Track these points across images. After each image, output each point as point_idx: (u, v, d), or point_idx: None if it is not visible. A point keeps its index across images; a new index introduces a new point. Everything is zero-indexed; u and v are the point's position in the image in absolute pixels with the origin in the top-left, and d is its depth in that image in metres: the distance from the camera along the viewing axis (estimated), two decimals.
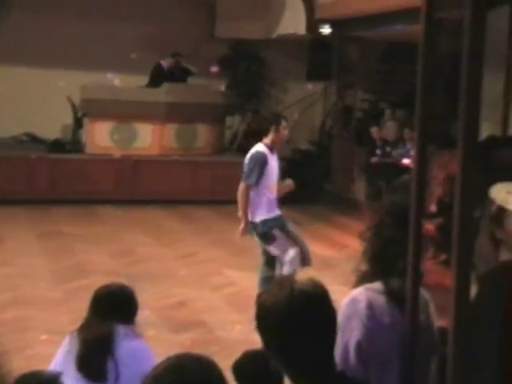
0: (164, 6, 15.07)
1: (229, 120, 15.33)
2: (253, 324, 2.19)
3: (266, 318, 2.13)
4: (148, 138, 13.59)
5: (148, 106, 13.19)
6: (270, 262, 7.04)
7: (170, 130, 13.71)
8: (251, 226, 6.89)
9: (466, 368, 1.77)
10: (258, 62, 15.80)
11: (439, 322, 2.59)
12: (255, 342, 2.32)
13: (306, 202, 12.52)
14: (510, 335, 1.95)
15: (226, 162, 13.47)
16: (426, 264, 3.03)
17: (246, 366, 2.86)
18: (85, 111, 13.73)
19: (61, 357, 3.67)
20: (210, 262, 9.40)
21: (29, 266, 8.86)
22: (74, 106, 13.87)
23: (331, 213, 13.06)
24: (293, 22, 13.67)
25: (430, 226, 3.49)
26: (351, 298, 2.51)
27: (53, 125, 14.23)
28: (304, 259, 7.03)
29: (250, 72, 15.69)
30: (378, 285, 2.51)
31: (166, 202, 12.91)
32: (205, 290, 8.24)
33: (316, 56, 15.72)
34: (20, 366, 5.57)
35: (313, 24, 13.28)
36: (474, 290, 2.10)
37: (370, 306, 2.46)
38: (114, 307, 3.61)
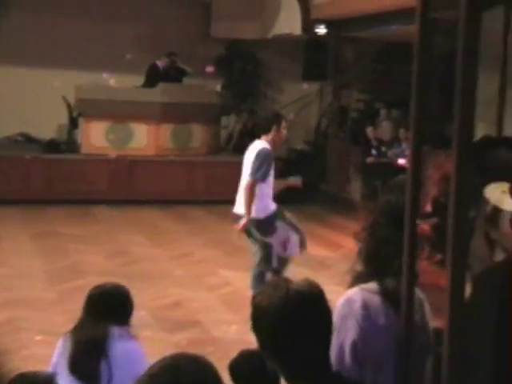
0: (159, 6, 15.07)
1: (224, 120, 15.33)
2: (248, 324, 2.19)
3: (262, 318, 2.13)
4: (143, 138, 13.58)
5: (143, 106, 13.18)
6: (266, 257, 7.07)
7: (166, 130, 13.71)
8: (252, 222, 6.94)
9: (461, 368, 1.77)
10: (253, 62, 15.81)
11: (434, 322, 2.59)
12: (251, 342, 2.32)
13: (301, 202, 12.51)
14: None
15: (222, 162, 13.47)
16: (421, 264, 3.03)
17: (243, 365, 2.86)
18: (80, 111, 13.72)
19: (54, 359, 3.65)
20: (205, 262, 9.40)
21: (23, 266, 8.85)
22: (69, 105, 13.86)
23: (327, 213, 13.07)
24: (288, 22, 13.67)
25: (425, 226, 3.49)
26: (346, 299, 2.51)
27: (48, 125, 14.22)
28: (302, 244, 7.24)
29: (245, 72, 15.70)
30: (373, 285, 2.51)
31: (161, 202, 12.91)
32: (200, 290, 8.24)
33: (311, 56, 15.74)
34: (15, 366, 5.58)
35: (308, 24, 13.29)
36: (468, 290, 2.10)
37: (365, 307, 2.46)
38: (109, 307, 3.59)
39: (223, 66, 15.49)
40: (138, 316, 6.59)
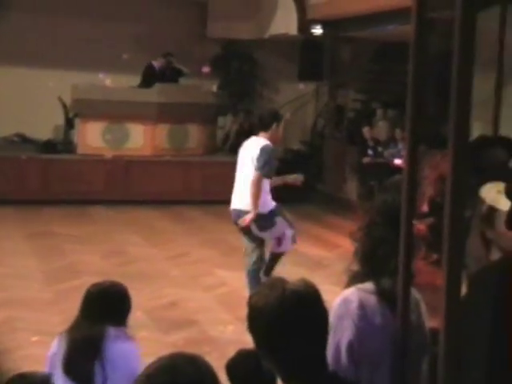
0: (155, 7, 15.07)
1: (221, 120, 15.33)
2: (245, 324, 2.19)
3: (258, 318, 2.13)
4: (140, 139, 13.57)
5: (140, 106, 13.17)
6: (263, 255, 7.19)
7: (162, 130, 13.70)
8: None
9: (457, 368, 1.77)
10: (249, 62, 15.82)
11: (430, 322, 2.59)
12: (247, 342, 2.32)
13: (297, 202, 12.51)
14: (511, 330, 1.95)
15: (218, 162, 13.47)
16: (418, 264, 3.04)
17: (239, 365, 2.86)
18: (76, 111, 13.70)
19: (49, 359, 3.64)
20: (201, 262, 9.40)
21: (20, 266, 8.84)
22: (65, 106, 13.84)
23: (323, 213, 13.08)
24: (284, 23, 13.68)
25: (421, 226, 3.49)
26: (343, 298, 2.51)
27: (44, 125, 14.21)
28: (293, 239, 7.36)
29: (241, 72, 15.70)
30: (369, 285, 2.51)
31: (157, 202, 12.90)
32: (197, 290, 8.24)
33: (308, 56, 15.74)
34: (12, 367, 5.57)
35: (304, 24, 13.30)
36: (464, 290, 2.10)
37: (362, 306, 2.46)
38: (107, 306, 3.57)
39: (219, 66, 15.49)
40: (135, 316, 6.59)
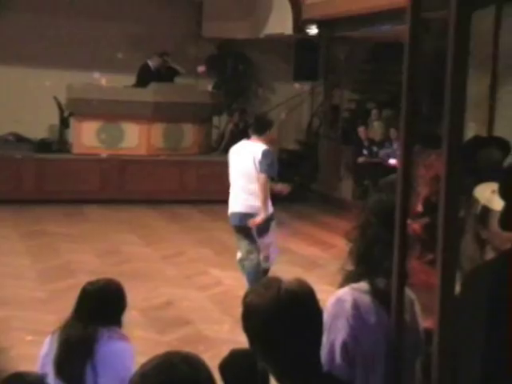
0: (151, 6, 15.05)
1: (216, 120, 15.32)
2: (240, 323, 2.19)
3: (253, 317, 2.13)
4: (135, 138, 13.56)
5: (135, 105, 13.16)
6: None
7: (157, 129, 13.69)
8: (250, 218, 7.00)
9: (451, 368, 1.78)
10: (245, 62, 15.82)
11: (425, 322, 2.60)
12: (242, 341, 2.32)
13: (292, 202, 12.51)
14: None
15: (213, 161, 13.45)
16: (413, 264, 3.04)
17: (233, 365, 2.86)
18: (71, 111, 13.68)
19: (41, 359, 3.61)
20: (196, 262, 9.40)
21: (14, 265, 8.82)
22: (60, 105, 13.82)
23: (318, 212, 13.08)
24: (280, 22, 13.68)
25: (416, 226, 3.50)
26: (337, 298, 2.51)
27: (39, 124, 14.18)
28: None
29: (237, 72, 15.71)
30: (363, 284, 2.52)
31: (152, 201, 12.89)
32: (191, 289, 8.23)
33: (303, 56, 15.73)
34: (6, 366, 5.56)
35: (300, 24, 13.30)
36: (459, 289, 2.11)
37: (356, 306, 2.47)
38: (102, 305, 3.55)
39: (215, 66, 15.49)
40: (130, 315, 6.59)
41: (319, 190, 14.38)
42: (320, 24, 13.28)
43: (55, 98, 13.69)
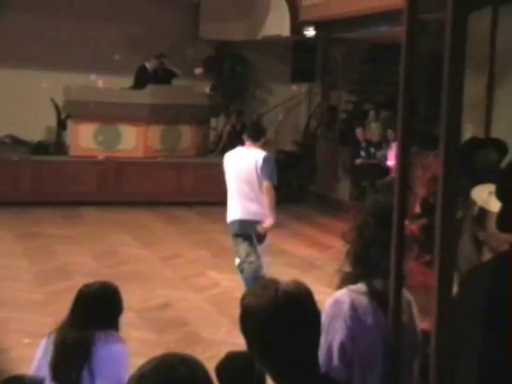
0: (148, 8, 15.05)
1: (213, 121, 15.32)
2: (237, 325, 2.19)
3: (250, 319, 2.13)
4: (132, 140, 13.55)
5: (132, 107, 13.15)
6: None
7: (155, 131, 13.68)
8: (256, 226, 7.03)
9: (449, 369, 1.78)
10: (242, 64, 15.82)
11: (422, 323, 2.60)
12: (240, 343, 2.32)
13: (290, 203, 12.53)
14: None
15: (211, 163, 13.43)
16: (411, 264, 3.04)
17: (229, 367, 2.86)
18: (68, 113, 13.68)
19: (36, 361, 3.60)
20: (193, 263, 9.40)
21: (12, 267, 8.82)
22: (57, 107, 13.81)
23: (315, 213, 13.08)
24: (277, 24, 13.69)
25: (413, 227, 3.50)
26: (334, 299, 2.51)
27: (36, 127, 14.17)
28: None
29: (234, 73, 15.71)
30: (361, 286, 2.52)
31: (150, 203, 12.89)
32: (189, 291, 8.23)
33: (300, 57, 15.75)
34: (4, 368, 5.55)
35: (297, 26, 13.31)
36: (456, 290, 2.11)
37: (354, 307, 2.47)
38: (98, 308, 3.54)
39: (212, 68, 15.49)
40: (127, 317, 6.57)
41: (317, 191, 14.38)
42: (317, 25, 13.29)
43: (52, 100, 13.68)
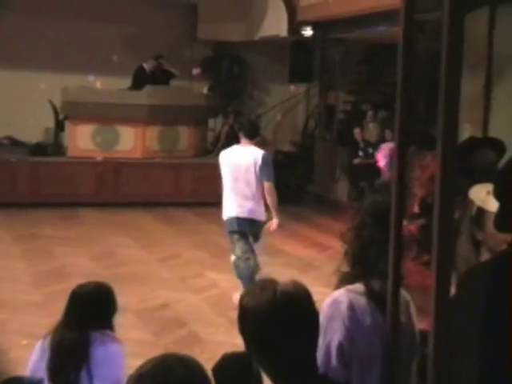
0: (146, 8, 15.05)
1: (211, 122, 15.32)
2: (235, 326, 2.19)
3: (249, 319, 2.13)
4: (130, 141, 13.54)
5: (130, 108, 13.15)
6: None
7: (153, 132, 13.68)
8: (253, 224, 7.08)
9: (447, 369, 1.78)
10: (240, 64, 15.82)
11: (420, 323, 2.59)
12: (238, 343, 2.31)
13: (288, 203, 12.51)
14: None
15: (209, 164, 13.43)
16: (409, 265, 3.04)
17: (225, 369, 2.85)
18: (66, 114, 13.67)
19: (32, 363, 3.58)
20: (192, 264, 9.39)
21: (10, 269, 8.81)
22: (55, 108, 13.80)
23: (314, 214, 13.08)
24: (275, 24, 13.69)
25: (412, 227, 3.50)
26: (332, 300, 2.51)
27: (34, 128, 14.15)
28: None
29: (232, 74, 15.71)
30: (359, 286, 2.52)
31: (148, 204, 12.89)
32: (187, 291, 8.23)
33: (298, 58, 15.75)
34: (3, 369, 5.55)
35: (295, 26, 13.30)
36: (454, 291, 2.11)
37: (352, 308, 2.46)
38: (92, 308, 3.52)
39: (210, 68, 15.48)
40: (125, 318, 6.58)
41: (315, 191, 14.38)
42: (315, 26, 13.28)
43: (50, 101, 13.67)
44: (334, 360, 2.43)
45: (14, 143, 14.04)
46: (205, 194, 12.51)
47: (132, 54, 14.40)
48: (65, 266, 9.03)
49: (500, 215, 2.08)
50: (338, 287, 2.58)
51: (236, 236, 7.19)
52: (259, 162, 7.06)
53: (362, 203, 2.80)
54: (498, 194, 2.10)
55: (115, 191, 13.07)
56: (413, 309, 2.63)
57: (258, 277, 6.92)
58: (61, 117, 13.87)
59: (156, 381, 1.86)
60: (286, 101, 15.99)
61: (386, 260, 2.23)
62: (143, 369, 1.91)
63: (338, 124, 14.56)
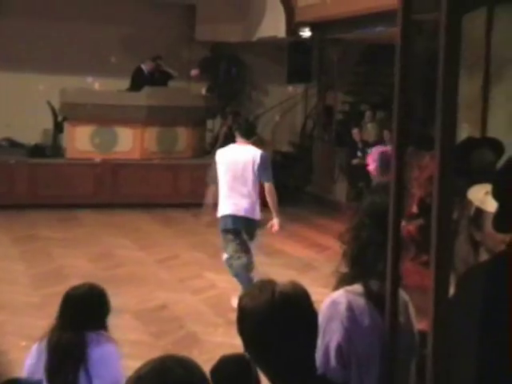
0: (144, 10, 15.04)
1: (209, 123, 15.32)
2: (234, 327, 2.19)
3: (247, 320, 2.13)
4: (128, 142, 13.54)
5: (128, 109, 13.14)
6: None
7: (151, 133, 13.67)
8: (248, 223, 7.09)
9: (446, 370, 1.78)
10: (238, 65, 15.82)
11: (419, 324, 2.59)
12: (237, 344, 2.31)
13: (286, 204, 12.50)
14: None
15: (207, 165, 13.38)
16: (408, 265, 3.04)
17: (223, 371, 2.85)
18: (65, 115, 13.66)
19: (29, 367, 3.56)
20: (190, 265, 9.39)
21: (8, 270, 8.80)
22: (53, 110, 13.80)
23: (312, 214, 13.08)
24: (273, 25, 13.69)
25: (411, 227, 3.50)
26: (331, 300, 2.51)
27: (33, 129, 14.14)
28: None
29: (230, 75, 15.70)
30: (357, 287, 2.52)
31: (146, 205, 12.88)
32: (186, 293, 8.22)
33: (296, 58, 15.75)
34: (3, 371, 5.54)
35: (293, 27, 13.30)
36: (453, 291, 2.10)
37: (350, 308, 2.46)
38: (86, 310, 3.51)
39: (208, 69, 15.48)
40: (124, 319, 6.58)
41: (313, 192, 14.38)
42: (313, 26, 13.28)
43: (49, 103, 13.67)
44: (332, 361, 2.43)
45: (13, 145, 14.03)
46: (203, 194, 12.46)
47: (130, 55, 14.39)
48: (63, 268, 9.02)
49: (498, 216, 2.08)
50: (336, 288, 2.58)
51: (229, 235, 7.20)
52: (258, 161, 7.07)
53: (360, 204, 2.80)
54: (496, 195, 2.10)
55: (113, 192, 13.07)
56: (411, 309, 2.63)
57: (256, 276, 6.94)
58: (59, 118, 13.87)
59: (154, 382, 1.86)
60: (284, 101, 15.98)
61: (384, 261, 2.23)
62: (142, 370, 1.91)
63: (336, 124, 14.56)
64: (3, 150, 13.62)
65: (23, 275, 8.70)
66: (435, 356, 1.76)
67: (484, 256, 2.93)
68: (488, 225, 2.74)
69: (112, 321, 3.70)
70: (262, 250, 7.89)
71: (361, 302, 2.48)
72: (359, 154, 12.74)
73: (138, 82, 13.65)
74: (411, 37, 2.11)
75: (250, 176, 7.08)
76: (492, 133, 7.71)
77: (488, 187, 2.67)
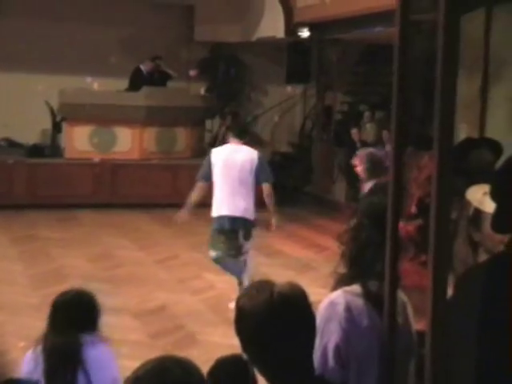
0: (143, 10, 15.04)
1: (209, 123, 15.32)
2: (233, 327, 2.19)
3: (245, 320, 2.13)
4: (127, 142, 13.54)
5: (127, 109, 13.14)
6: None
7: (150, 133, 13.67)
8: (245, 223, 7.09)
9: (444, 370, 1.78)
10: (237, 65, 15.82)
11: (417, 324, 2.59)
12: (236, 345, 2.31)
13: (285, 204, 12.50)
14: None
15: None
16: (407, 265, 3.04)
17: (220, 372, 2.85)
18: (63, 115, 13.66)
19: (25, 375, 3.54)
20: (189, 266, 9.38)
21: (6, 271, 8.79)
22: (52, 110, 13.79)
23: (311, 214, 13.08)
24: (272, 26, 13.69)
25: (410, 227, 3.51)
26: (329, 301, 2.51)
27: (31, 129, 14.14)
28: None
29: (229, 75, 15.70)
30: (356, 287, 2.52)
31: (145, 205, 12.87)
32: (185, 293, 8.22)
33: (295, 59, 15.74)
34: (2, 371, 5.53)
35: (291, 27, 13.30)
36: (451, 292, 2.10)
37: (349, 309, 2.46)
38: (75, 316, 3.50)
39: (207, 70, 15.48)
40: (123, 320, 6.58)
41: (312, 192, 14.38)
42: (312, 27, 13.28)
43: (47, 103, 13.66)
44: (330, 361, 2.43)
45: (12, 145, 14.02)
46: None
47: (129, 55, 14.39)
48: (62, 268, 9.02)
49: (497, 216, 2.07)
50: (334, 288, 2.58)
51: (223, 236, 7.21)
52: (256, 162, 7.06)
53: (358, 204, 2.80)
54: (494, 195, 2.09)
55: (113, 192, 13.07)
56: (410, 310, 2.63)
57: (254, 276, 6.95)
58: (58, 118, 13.86)
59: (153, 382, 1.86)
60: (283, 102, 15.98)
61: (382, 261, 2.23)
62: (140, 371, 1.91)
63: (335, 125, 14.56)
64: (2, 150, 13.62)
65: (22, 275, 8.69)
66: (433, 356, 1.76)
67: (483, 256, 2.92)
68: (486, 225, 2.73)
69: (111, 321, 3.70)
70: (261, 250, 7.90)
71: (359, 302, 2.48)
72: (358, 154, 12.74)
73: (137, 82, 13.65)
74: (409, 37, 2.11)
75: (247, 176, 7.07)
76: (490, 133, 7.71)
77: (486, 188, 2.66)
